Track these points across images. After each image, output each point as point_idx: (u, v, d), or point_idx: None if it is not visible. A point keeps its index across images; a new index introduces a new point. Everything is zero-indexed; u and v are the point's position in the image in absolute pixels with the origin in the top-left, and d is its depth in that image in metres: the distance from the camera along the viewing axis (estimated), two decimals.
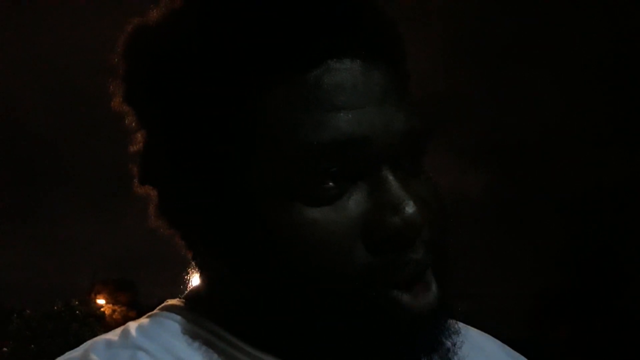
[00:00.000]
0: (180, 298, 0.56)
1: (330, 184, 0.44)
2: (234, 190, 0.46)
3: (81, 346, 0.52)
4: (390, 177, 0.44)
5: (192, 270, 0.55)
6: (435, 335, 0.46)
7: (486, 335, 0.65)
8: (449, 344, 0.48)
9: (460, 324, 0.57)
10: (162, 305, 0.56)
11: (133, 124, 0.51)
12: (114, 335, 0.53)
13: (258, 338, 0.49)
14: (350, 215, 0.44)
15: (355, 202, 0.44)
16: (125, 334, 0.52)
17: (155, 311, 0.55)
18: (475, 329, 0.64)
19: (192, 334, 0.51)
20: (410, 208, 0.43)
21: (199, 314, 0.52)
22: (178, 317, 0.53)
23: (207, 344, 0.50)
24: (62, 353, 0.53)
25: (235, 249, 0.47)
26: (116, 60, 0.49)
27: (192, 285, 0.56)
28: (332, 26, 0.44)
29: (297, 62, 0.43)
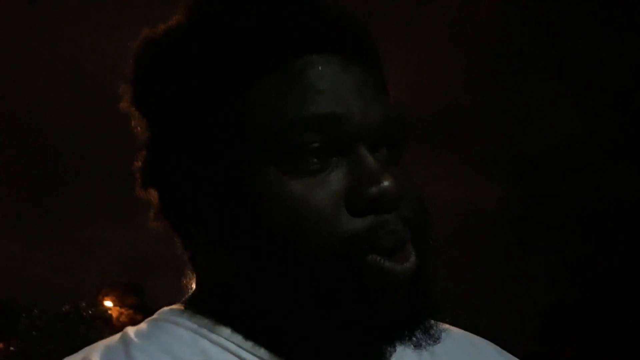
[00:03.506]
0: (179, 303, 0.56)
1: (314, 159, 0.48)
2: (229, 179, 0.50)
3: (80, 352, 0.53)
4: (368, 155, 0.49)
5: (191, 274, 0.56)
6: (415, 303, 0.49)
7: (479, 337, 0.66)
8: (431, 322, 0.51)
9: (451, 327, 0.59)
10: (161, 310, 0.56)
11: (139, 128, 0.54)
12: (112, 340, 0.53)
13: (256, 333, 0.51)
14: (332, 187, 0.48)
15: (336, 176, 0.48)
16: (124, 339, 0.52)
17: (154, 316, 0.56)
18: (466, 332, 0.65)
19: (191, 337, 0.52)
20: (386, 181, 0.47)
21: (198, 317, 0.53)
22: (177, 320, 0.53)
23: (207, 345, 0.51)
24: (69, 354, 0.53)
25: (229, 233, 0.50)
26: (127, 66, 0.54)
27: (191, 290, 0.57)
28: (315, 26, 0.50)
29: (283, 56, 0.49)
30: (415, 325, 0.50)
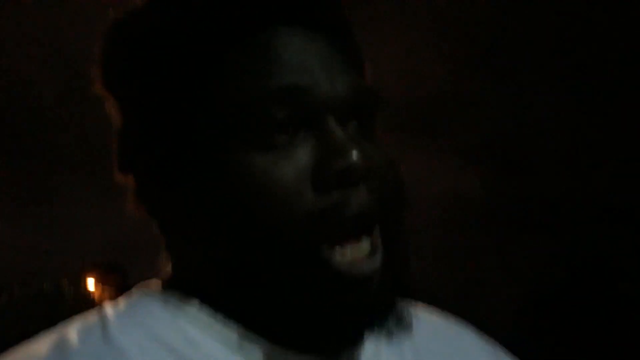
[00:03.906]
0: (156, 280, 0.57)
1: (280, 134, 0.47)
2: (195, 158, 0.49)
3: (55, 329, 0.52)
4: (336, 128, 0.48)
5: (166, 256, 0.56)
6: (367, 298, 0.48)
7: (455, 320, 0.66)
8: (399, 310, 0.50)
9: (423, 308, 0.59)
10: (138, 287, 0.57)
11: (112, 110, 0.54)
12: (89, 318, 0.53)
13: (229, 311, 0.50)
14: (299, 161, 0.47)
15: (303, 149, 0.48)
16: (102, 318, 0.52)
17: (132, 293, 0.56)
18: (441, 314, 0.65)
19: (170, 315, 0.52)
20: (354, 153, 0.46)
21: (175, 294, 0.53)
22: (154, 297, 0.54)
23: (183, 323, 0.51)
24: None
25: (197, 212, 0.49)
26: (96, 49, 0.53)
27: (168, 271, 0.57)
28: None
29: (248, 28, 0.48)
30: (379, 316, 0.50)
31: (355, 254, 0.47)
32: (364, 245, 0.48)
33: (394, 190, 0.51)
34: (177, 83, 0.49)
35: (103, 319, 0.52)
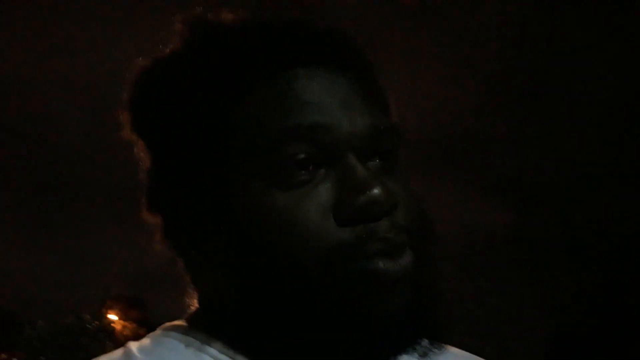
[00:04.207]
0: (181, 319, 0.57)
1: (301, 171, 0.48)
2: (219, 197, 0.50)
3: None
4: (357, 164, 0.48)
5: (192, 292, 0.56)
6: (417, 300, 0.48)
7: None
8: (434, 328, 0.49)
9: (451, 347, 0.58)
10: (163, 325, 0.57)
11: (141, 153, 0.55)
12: (115, 355, 0.54)
13: (255, 348, 0.50)
14: (321, 198, 0.47)
15: (324, 187, 0.48)
16: (127, 354, 0.53)
17: (156, 331, 0.56)
18: (469, 354, 0.64)
19: (193, 353, 0.52)
20: (376, 189, 0.46)
21: (199, 332, 0.53)
22: (179, 336, 0.54)
23: (204, 359, 0.51)
24: None
25: (221, 251, 0.50)
26: (125, 94, 0.55)
27: (193, 308, 0.57)
28: (300, 40, 0.51)
29: (269, 72, 0.50)
30: (418, 329, 0.49)
31: (394, 259, 0.47)
32: (397, 247, 0.47)
33: (419, 224, 0.50)
34: (201, 126, 0.50)
35: (128, 356, 0.52)
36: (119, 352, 0.54)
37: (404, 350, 0.49)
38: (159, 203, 0.54)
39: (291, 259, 0.47)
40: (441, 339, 0.52)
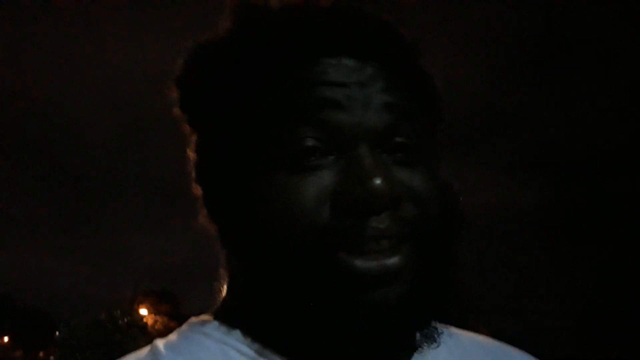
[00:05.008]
0: (208, 313, 0.57)
1: (312, 157, 0.49)
2: (240, 178, 0.52)
3: None
4: (366, 155, 0.48)
5: (224, 277, 0.57)
6: (391, 302, 0.47)
7: (509, 347, 0.63)
8: (427, 321, 0.49)
9: (460, 331, 0.57)
10: (190, 320, 0.57)
11: (187, 129, 0.57)
12: (142, 352, 0.54)
13: (272, 337, 0.51)
14: (323, 183, 0.48)
15: (329, 173, 0.48)
16: (154, 351, 0.53)
17: (182, 327, 0.56)
18: (492, 340, 0.63)
19: (219, 348, 0.52)
20: (377, 181, 0.46)
21: (225, 326, 0.53)
22: (205, 331, 0.54)
23: (234, 356, 0.51)
24: None
25: (240, 232, 0.51)
26: (177, 69, 0.57)
27: (222, 296, 0.57)
28: (328, 30, 0.52)
29: (296, 59, 0.51)
30: (407, 325, 0.48)
31: (378, 257, 0.47)
32: (383, 244, 0.47)
33: (432, 217, 0.50)
34: (234, 109, 0.53)
35: (155, 354, 0.53)
36: (145, 350, 0.54)
37: (398, 343, 0.49)
38: (200, 179, 0.56)
39: (282, 236, 0.48)
40: (459, 324, 0.51)
